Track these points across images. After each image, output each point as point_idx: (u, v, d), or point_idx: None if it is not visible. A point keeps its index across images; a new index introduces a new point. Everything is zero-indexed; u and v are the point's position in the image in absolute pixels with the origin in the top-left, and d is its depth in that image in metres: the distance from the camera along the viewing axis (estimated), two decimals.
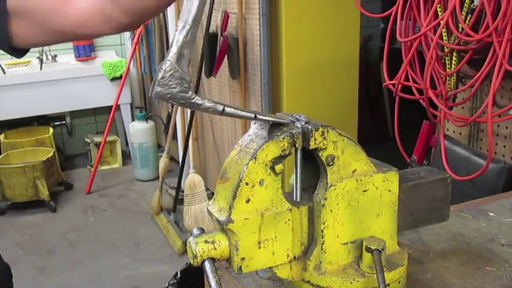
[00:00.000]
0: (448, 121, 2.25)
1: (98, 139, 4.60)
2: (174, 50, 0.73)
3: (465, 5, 1.71)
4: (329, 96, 2.95)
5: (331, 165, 0.81)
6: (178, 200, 3.54)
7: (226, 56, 3.05)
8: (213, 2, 3.01)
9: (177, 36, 0.74)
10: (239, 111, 0.77)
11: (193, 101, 0.74)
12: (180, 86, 0.73)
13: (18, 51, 1.03)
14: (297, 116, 0.81)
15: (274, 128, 0.80)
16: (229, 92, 3.33)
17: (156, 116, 4.71)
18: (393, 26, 1.99)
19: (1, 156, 4.09)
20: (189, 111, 3.47)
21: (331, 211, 0.82)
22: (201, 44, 3.14)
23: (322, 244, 0.82)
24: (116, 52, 5.03)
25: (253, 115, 0.78)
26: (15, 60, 4.52)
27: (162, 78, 0.73)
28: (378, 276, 0.79)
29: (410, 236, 1.10)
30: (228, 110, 0.76)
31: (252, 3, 2.84)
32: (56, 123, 4.81)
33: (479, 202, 1.31)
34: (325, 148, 0.80)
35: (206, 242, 0.76)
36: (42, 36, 0.99)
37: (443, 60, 1.90)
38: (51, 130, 4.52)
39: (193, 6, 0.73)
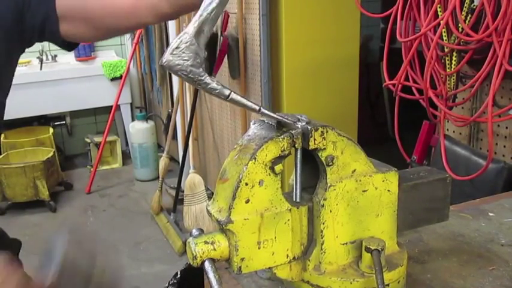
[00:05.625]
0: (448, 121, 2.25)
1: (98, 139, 4.60)
2: (195, 23, 0.72)
3: (465, 5, 1.71)
4: (329, 96, 2.95)
5: (331, 165, 0.81)
6: (178, 200, 3.54)
7: (226, 56, 3.05)
8: None
9: (201, 11, 0.73)
10: (244, 100, 0.77)
11: (201, 78, 0.73)
12: (192, 59, 0.72)
13: (69, 45, 1.12)
14: (298, 116, 0.81)
15: (275, 128, 0.80)
16: None
17: (156, 116, 4.71)
18: (393, 26, 1.99)
19: (1, 156, 4.09)
20: (189, 110, 3.47)
21: (330, 211, 0.82)
22: None
23: (322, 244, 0.82)
24: (116, 52, 5.03)
25: (257, 108, 0.78)
26: None
27: (176, 47, 0.72)
28: (376, 277, 0.79)
29: (410, 236, 1.10)
30: (234, 96, 0.75)
31: (252, 3, 2.84)
32: (56, 123, 4.81)
33: (479, 202, 1.31)
34: (324, 148, 0.80)
35: (206, 242, 0.76)
36: (89, 33, 1.07)
37: (443, 60, 1.89)
38: (51, 130, 4.52)
39: None
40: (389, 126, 3.84)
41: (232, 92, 0.75)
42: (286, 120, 0.79)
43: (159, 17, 1.01)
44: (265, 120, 0.83)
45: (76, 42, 1.13)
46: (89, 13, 1.04)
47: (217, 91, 0.74)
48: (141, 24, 1.06)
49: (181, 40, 0.71)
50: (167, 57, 0.71)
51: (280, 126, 0.80)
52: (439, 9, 1.80)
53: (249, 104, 0.77)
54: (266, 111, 0.78)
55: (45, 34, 1.05)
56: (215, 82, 0.74)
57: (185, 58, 0.72)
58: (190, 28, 0.72)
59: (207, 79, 0.73)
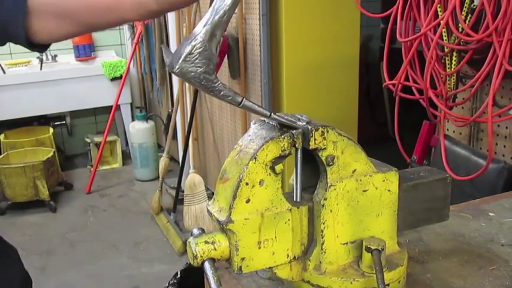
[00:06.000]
0: (448, 121, 2.25)
1: (98, 139, 4.60)
2: (207, 27, 0.70)
3: (465, 5, 1.71)
4: (329, 96, 2.95)
5: (331, 165, 0.81)
6: (178, 200, 3.54)
7: (226, 56, 3.05)
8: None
9: (211, 15, 0.70)
10: (256, 107, 0.76)
11: (215, 85, 0.72)
12: (206, 66, 0.70)
13: (39, 46, 1.02)
14: (299, 116, 0.81)
15: (276, 128, 0.80)
16: None
17: (156, 116, 4.71)
18: (393, 26, 1.99)
19: (1, 156, 4.09)
20: (189, 110, 3.47)
21: (331, 211, 0.82)
22: None
23: (322, 244, 0.82)
24: (116, 52, 5.03)
25: (268, 113, 0.78)
26: (15, 60, 4.52)
27: (190, 54, 0.69)
28: (377, 277, 0.79)
29: (410, 236, 1.10)
30: (246, 103, 0.75)
31: (252, 3, 2.84)
32: (56, 123, 4.81)
33: (479, 202, 1.31)
34: (325, 148, 0.80)
35: (206, 242, 0.76)
36: (67, 28, 0.98)
37: (443, 60, 1.89)
38: (51, 130, 4.52)
39: None
40: (389, 126, 3.84)
41: (244, 99, 0.74)
42: (295, 125, 0.79)
43: (145, 15, 0.94)
44: (266, 120, 0.83)
45: (47, 44, 1.03)
46: (66, 8, 0.96)
47: (230, 98, 0.73)
48: (123, 20, 0.96)
49: (194, 46, 0.69)
50: (180, 64, 0.69)
51: (281, 126, 0.80)
52: (439, 9, 1.80)
53: (259, 109, 0.77)
54: (276, 117, 0.78)
55: (9, 32, 0.95)
56: (227, 89, 0.72)
57: (198, 65, 0.70)
58: (201, 32, 0.69)
59: (220, 86, 0.72)
